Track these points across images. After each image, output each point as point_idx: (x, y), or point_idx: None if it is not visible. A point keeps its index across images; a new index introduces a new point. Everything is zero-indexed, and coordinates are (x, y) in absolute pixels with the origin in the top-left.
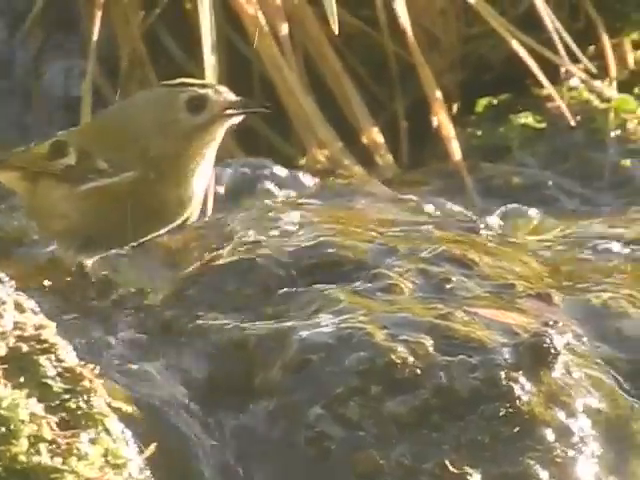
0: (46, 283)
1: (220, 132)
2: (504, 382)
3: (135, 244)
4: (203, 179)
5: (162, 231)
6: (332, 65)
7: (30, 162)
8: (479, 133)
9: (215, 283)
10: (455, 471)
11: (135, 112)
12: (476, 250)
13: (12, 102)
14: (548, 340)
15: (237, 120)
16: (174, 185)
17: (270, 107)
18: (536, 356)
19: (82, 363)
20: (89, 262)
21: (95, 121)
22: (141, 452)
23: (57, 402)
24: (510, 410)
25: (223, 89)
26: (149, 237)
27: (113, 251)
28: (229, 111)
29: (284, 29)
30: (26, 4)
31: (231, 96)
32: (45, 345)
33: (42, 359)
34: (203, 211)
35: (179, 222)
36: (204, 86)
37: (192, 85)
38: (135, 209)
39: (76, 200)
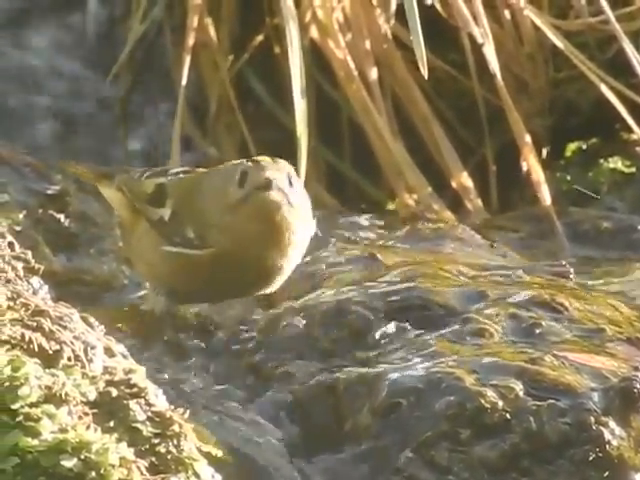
0: (135, 327)
1: (266, 212)
2: (594, 426)
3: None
4: (291, 258)
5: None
6: (421, 110)
7: (134, 195)
8: (568, 177)
9: (303, 327)
10: None
11: (210, 181)
12: (566, 294)
13: (102, 144)
14: (638, 385)
15: (280, 198)
16: (249, 259)
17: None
18: (626, 400)
19: (172, 407)
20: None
21: (188, 180)
22: None
23: (147, 446)
24: (600, 455)
25: (266, 165)
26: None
27: None
28: (261, 189)
29: (373, 74)
30: (115, 48)
31: (272, 174)
32: (135, 389)
33: (132, 403)
34: None
35: (264, 292)
36: (256, 162)
37: (255, 161)
38: (215, 278)
39: (161, 254)
